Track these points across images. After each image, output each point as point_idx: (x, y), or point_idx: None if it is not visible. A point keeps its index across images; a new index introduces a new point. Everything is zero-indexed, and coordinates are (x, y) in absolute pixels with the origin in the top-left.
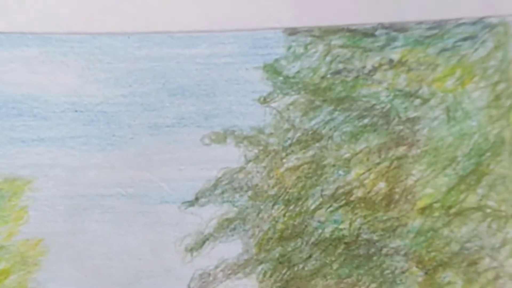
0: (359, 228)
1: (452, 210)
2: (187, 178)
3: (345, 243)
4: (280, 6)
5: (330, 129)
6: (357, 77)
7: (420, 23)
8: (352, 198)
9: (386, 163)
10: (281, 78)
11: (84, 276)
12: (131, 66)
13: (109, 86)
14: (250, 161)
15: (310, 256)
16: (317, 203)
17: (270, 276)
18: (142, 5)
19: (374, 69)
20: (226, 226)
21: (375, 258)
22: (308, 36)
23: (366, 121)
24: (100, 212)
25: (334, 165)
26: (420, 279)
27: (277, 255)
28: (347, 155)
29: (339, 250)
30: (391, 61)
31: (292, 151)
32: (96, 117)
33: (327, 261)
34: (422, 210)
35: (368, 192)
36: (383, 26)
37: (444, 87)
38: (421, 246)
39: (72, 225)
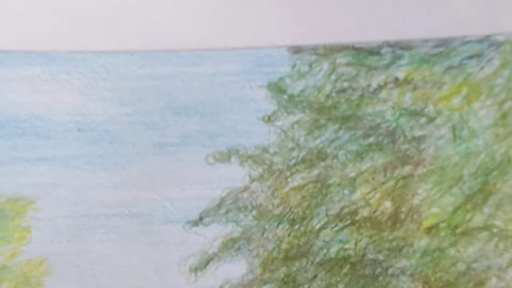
0: (365, 248)
1: (459, 230)
2: (191, 197)
3: (351, 263)
4: (284, 24)
5: (335, 148)
6: (362, 95)
7: (426, 41)
8: (357, 218)
9: (392, 182)
10: (285, 96)
11: None
12: (135, 84)
13: (113, 105)
14: (254, 180)
15: (315, 276)
16: (322, 222)
17: None
18: (146, 23)
19: (380, 88)
20: (230, 246)
21: (381, 278)
22: (313, 54)
23: (371, 140)
24: (104, 232)
25: (339, 184)
26: None
27: (282, 275)
28: (352, 174)
29: (345, 270)
30: (396, 79)
31: (297, 170)
32: (99, 136)
33: (333, 281)
34: (428, 230)
35: (374, 212)
36: (388, 44)
37: (450, 106)
38: (427, 266)
39: (75, 245)
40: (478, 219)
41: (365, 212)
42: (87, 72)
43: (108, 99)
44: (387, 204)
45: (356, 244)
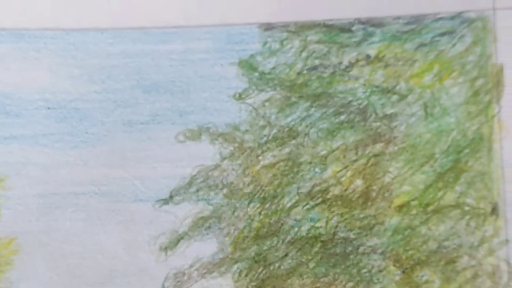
0: (336, 227)
1: (430, 208)
2: (161, 175)
3: (322, 241)
4: (255, 1)
5: (307, 126)
6: (333, 73)
7: (398, 18)
8: (328, 196)
9: (363, 160)
10: (256, 74)
11: (57, 275)
12: (105, 62)
13: (83, 83)
14: (225, 158)
15: (286, 255)
16: (293, 201)
17: (246, 275)
18: (116, 1)
19: (351, 65)
20: (201, 224)
21: (352, 256)
22: (284, 31)
23: (342, 117)
24: (73, 211)
25: (310, 163)
26: (397, 278)
27: (252, 254)
28: (323, 152)
29: (316, 249)
30: (368, 56)
31: (268, 148)
32: (69, 114)
33: (304, 260)
34: (399, 208)
35: (345, 190)
36: (360, 21)
37: (421, 83)
38: (398, 245)
39: (45, 224)
40: (449, 197)
41: (336, 191)
42: (57, 50)
43: (78, 77)
44: (358, 182)
45: (327, 223)
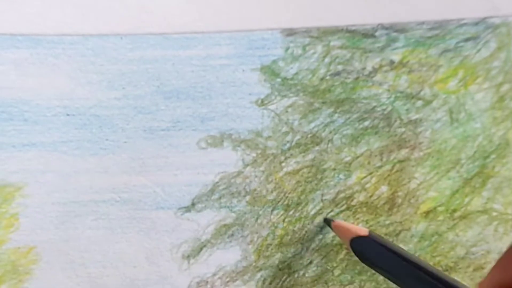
0: None
1: (457, 214)
2: (183, 183)
3: (347, 248)
4: (277, 6)
5: (330, 132)
6: (357, 78)
7: (421, 23)
8: (353, 203)
9: (388, 167)
10: (279, 79)
11: (77, 285)
12: (124, 68)
13: (102, 89)
14: (248, 165)
15: (310, 262)
16: (318, 208)
17: (270, 284)
18: (136, 6)
19: (375, 71)
20: (224, 232)
21: None
22: (307, 37)
23: (366, 123)
24: (94, 219)
25: (334, 169)
26: None
27: (276, 261)
28: (347, 159)
29: (341, 256)
30: (391, 62)
31: (291, 154)
32: (88, 120)
33: (329, 267)
34: (426, 214)
35: (370, 196)
36: (383, 26)
37: (446, 89)
38: (426, 251)
39: (64, 232)
40: (476, 203)
41: (361, 197)
42: (75, 56)
43: (97, 83)
44: (383, 189)
45: None
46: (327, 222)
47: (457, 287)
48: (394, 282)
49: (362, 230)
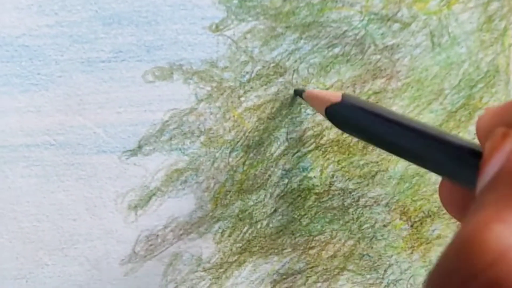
0: (332, 176)
1: None
2: (127, 122)
3: (316, 194)
4: None
5: (295, 61)
6: None
7: None
8: (322, 141)
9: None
10: (235, 1)
11: (8, 241)
12: None
13: (31, 15)
14: (201, 100)
15: (275, 211)
16: (282, 148)
17: (229, 236)
18: None
19: None
20: (175, 178)
21: (351, 210)
22: None
23: (336, 50)
24: (25, 166)
25: (301, 103)
26: (404, 233)
27: (236, 210)
28: None
29: (309, 203)
30: None
31: (251, 87)
32: (16, 52)
33: (295, 216)
34: None
35: (342, 134)
36: None
37: (426, 9)
38: (405, 194)
39: None
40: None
41: (331, 134)
42: None
43: (26, 7)
44: None
45: (321, 172)
46: (298, 93)
47: (449, 140)
48: (379, 147)
49: (335, 95)
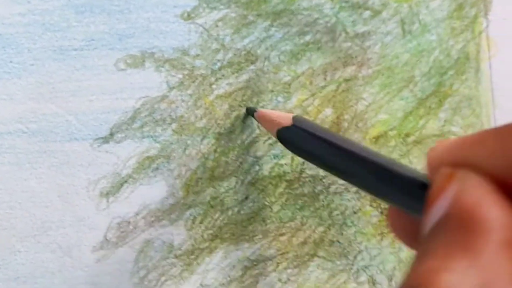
0: (303, 163)
1: (411, 138)
2: (99, 110)
3: (287, 181)
4: None
5: (267, 49)
6: None
7: None
8: None
9: (333, 86)
10: None
11: None
12: None
13: (4, 4)
14: (173, 88)
15: (246, 198)
16: (253, 135)
17: (200, 223)
18: None
19: None
20: (147, 165)
21: (322, 197)
22: None
23: (308, 38)
24: None
25: (272, 91)
26: (374, 219)
27: (208, 197)
28: (287, 78)
29: (280, 190)
30: None
31: (223, 75)
32: None
33: (266, 203)
34: (376, 139)
35: (313, 120)
36: None
37: None
38: None
39: None
40: (432, 126)
41: None
42: None
43: None
44: (328, 112)
45: (292, 159)
46: (250, 112)
47: (397, 170)
48: (330, 173)
49: (286, 118)
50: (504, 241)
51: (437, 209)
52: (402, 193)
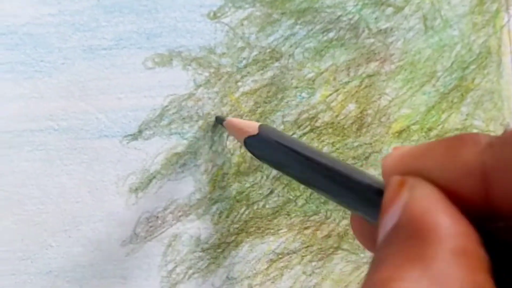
0: None
1: (433, 132)
2: (128, 108)
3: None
4: None
5: (291, 46)
6: None
7: None
8: (317, 124)
9: (356, 82)
10: None
11: (13, 224)
12: None
13: (34, 4)
14: (200, 86)
15: (271, 192)
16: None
17: (227, 217)
18: None
19: None
20: (175, 161)
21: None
22: None
23: (331, 35)
24: (30, 150)
25: (296, 87)
26: None
27: (233, 192)
28: (311, 75)
29: None
30: None
31: (248, 72)
32: (21, 40)
33: (291, 197)
34: (399, 134)
35: (336, 116)
36: None
37: None
38: None
39: None
40: (455, 120)
41: (326, 117)
42: None
43: None
44: (351, 107)
45: None
46: (219, 121)
47: (349, 175)
48: (296, 180)
49: (252, 127)
50: (455, 249)
51: (390, 217)
52: (361, 200)
